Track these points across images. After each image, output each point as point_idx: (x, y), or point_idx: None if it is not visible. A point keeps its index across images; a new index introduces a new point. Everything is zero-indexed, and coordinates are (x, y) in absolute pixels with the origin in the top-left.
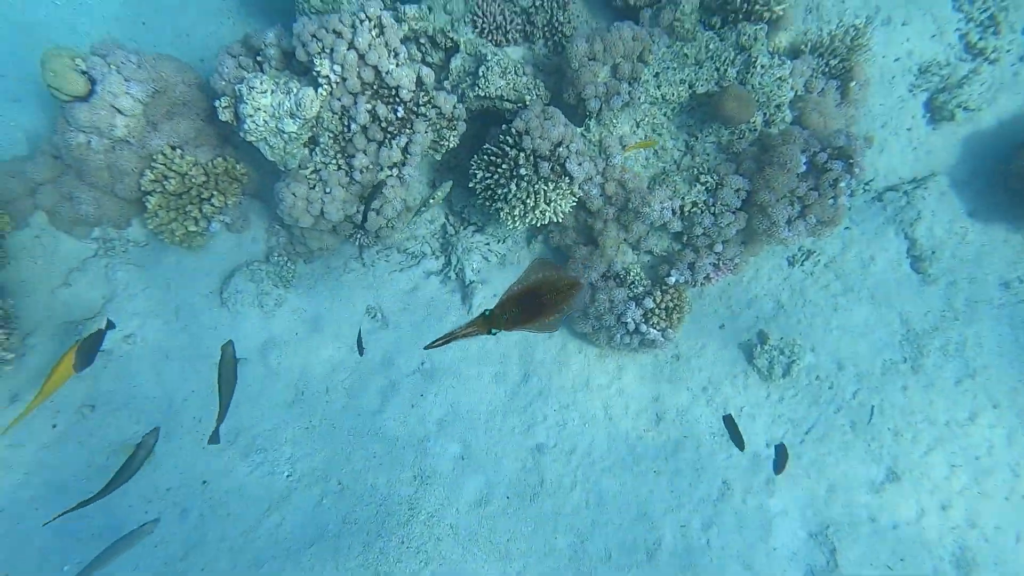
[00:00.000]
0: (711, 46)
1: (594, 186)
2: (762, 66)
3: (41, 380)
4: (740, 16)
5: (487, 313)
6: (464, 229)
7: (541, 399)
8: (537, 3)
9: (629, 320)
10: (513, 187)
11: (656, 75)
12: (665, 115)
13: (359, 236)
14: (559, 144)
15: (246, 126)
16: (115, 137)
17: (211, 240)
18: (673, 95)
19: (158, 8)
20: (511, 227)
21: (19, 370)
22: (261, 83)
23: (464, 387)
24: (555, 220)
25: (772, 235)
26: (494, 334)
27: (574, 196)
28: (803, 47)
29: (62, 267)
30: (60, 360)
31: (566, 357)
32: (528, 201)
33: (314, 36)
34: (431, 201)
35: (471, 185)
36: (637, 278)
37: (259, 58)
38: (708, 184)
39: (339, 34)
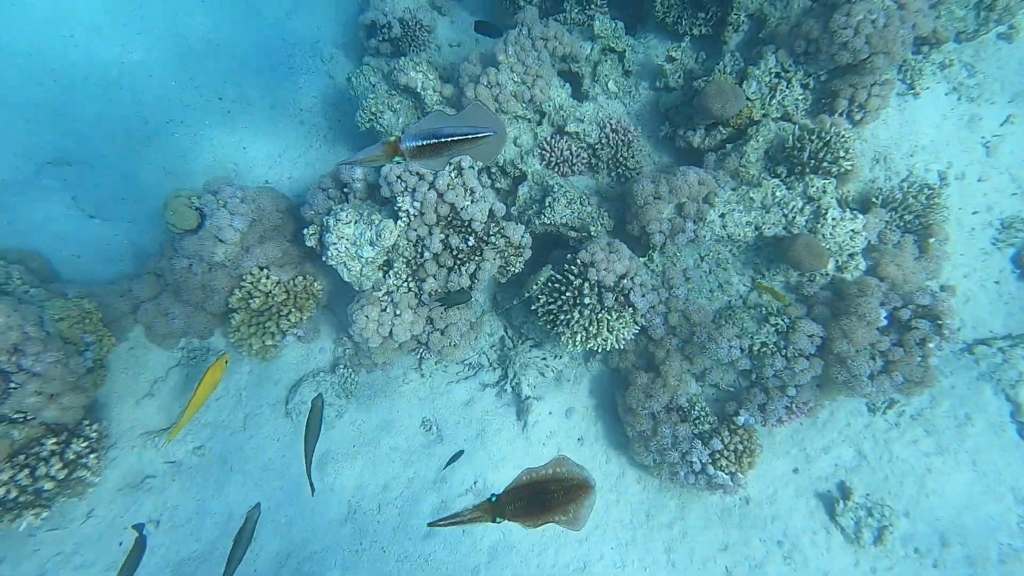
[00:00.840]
0: (778, 193)
1: (657, 315)
2: (833, 218)
3: (118, 495)
4: (807, 169)
5: (493, 498)
6: (522, 344)
7: (599, 532)
8: (603, 140)
9: (695, 460)
10: (576, 314)
11: (722, 215)
12: (730, 251)
13: (422, 351)
14: (623, 276)
15: (329, 252)
16: (214, 262)
17: (282, 350)
18: (739, 235)
19: (255, 133)
20: (571, 349)
21: (99, 486)
22: (347, 215)
23: None
24: (616, 348)
25: (854, 388)
26: (498, 522)
27: (636, 325)
28: (873, 199)
29: (149, 377)
30: (208, 372)
31: (624, 487)
32: (591, 328)
33: (399, 177)
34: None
35: (533, 308)
36: (702, 414)
37: (346, 190)
38: (778, 326)
39: (421, 176)
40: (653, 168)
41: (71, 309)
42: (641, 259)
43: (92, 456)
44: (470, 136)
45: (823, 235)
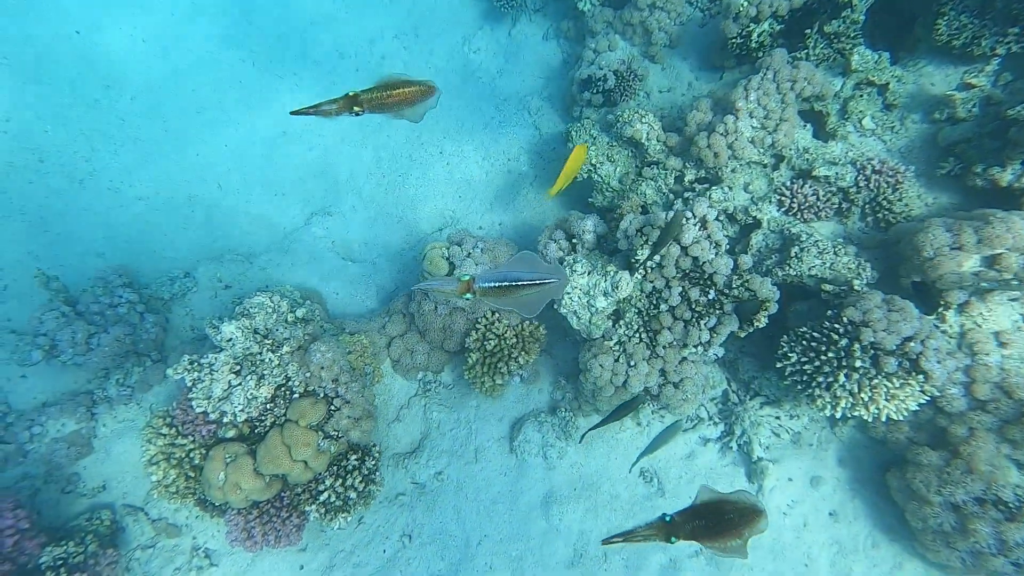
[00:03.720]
0: None
1: (953, 384)
2: None
3: (380, 507)
4: None
5: (668, 519)
6: (751, 400)
7: None
8: (861, 182)
9: None
10: (842, 378)
11: None
12: None
13: (648, 402)
14: (911, 339)
15: (563, 301)
16: (456, 306)
17: (506, 388)
18: None
19: (470, 183)
20: (827, 414)
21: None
22: (581, 267)
23: None
24: (893, 420)
25: None
26: (673, 542)
27: (926, 395)
28: None
29: (396, 404)
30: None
31: None
32: (860, 395)
33: (639, 231)
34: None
35: (779, 366)
36: None
37: (574, 240)
38: None
39: None
40: (926, 211)
41: (355, 344)
42: (929, 317)
43: (378, 473)
44: (537, 282)
45: None
